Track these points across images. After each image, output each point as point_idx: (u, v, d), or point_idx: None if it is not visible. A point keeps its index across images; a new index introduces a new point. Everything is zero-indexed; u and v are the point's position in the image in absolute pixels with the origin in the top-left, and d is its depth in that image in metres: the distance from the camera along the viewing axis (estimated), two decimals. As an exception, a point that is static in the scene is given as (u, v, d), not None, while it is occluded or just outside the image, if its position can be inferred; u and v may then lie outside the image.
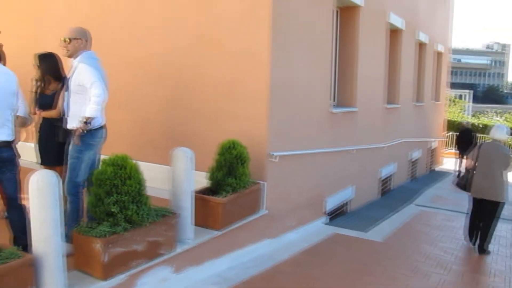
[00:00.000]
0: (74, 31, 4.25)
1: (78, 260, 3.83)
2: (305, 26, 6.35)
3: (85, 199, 4.26)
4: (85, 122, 4.02)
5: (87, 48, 4.31)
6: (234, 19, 5.69)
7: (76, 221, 4.13)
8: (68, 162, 4.23)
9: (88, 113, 4.01)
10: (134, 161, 3.90)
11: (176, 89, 6.25)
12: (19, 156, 4.13)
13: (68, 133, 4.33)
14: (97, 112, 4.05)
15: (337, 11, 8.02)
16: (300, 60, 6.29)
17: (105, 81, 4.20)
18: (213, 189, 5.10)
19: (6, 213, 4.55)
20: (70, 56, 4.27)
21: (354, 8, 8.20)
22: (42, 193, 3.25)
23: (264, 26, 5.47)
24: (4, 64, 5.18)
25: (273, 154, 5.65)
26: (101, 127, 4.30)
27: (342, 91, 8.36)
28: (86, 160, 4.23)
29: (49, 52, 4.83)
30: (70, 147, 4.21)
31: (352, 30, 8.28)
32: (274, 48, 5.53)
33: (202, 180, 5.13)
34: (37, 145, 4.80)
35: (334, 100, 8.13)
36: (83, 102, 4.11)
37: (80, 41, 4.23)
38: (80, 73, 4.12)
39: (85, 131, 4.07)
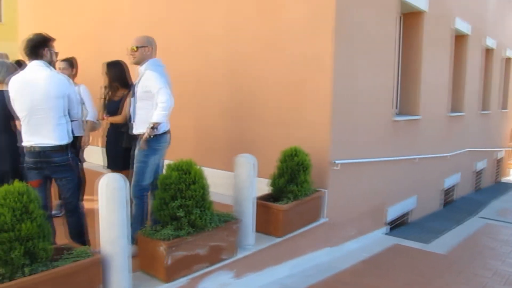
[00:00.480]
0: (140, 39, 4.37)
1: (142, 261, 3.93)
2: (368, 32, 6.25)
3: (150, 202, 4.38)
4: (152, 128, 4.11)
5: (153, 56, 4.42)
6: (297, 26, 5.70)
7: (140, 224, 4.24)
8: (134, 166, 4.35)
9: (155, 119, 4.10)
10: (198, 167, 3.96)
11: (239, 96, 6.33)
12: (83, 160, 4.28)
13: (133, 138, 4.45)
14: (163, 117, 4.13)
15: (400, 17, 7.85)
16: (363, 66, 6.20)
17: (170, 87, 4.30)
18: (275, 196, 5.11)
19: (53, 212, 4.73)
20: (137, 63, 4.40)
21: (418, 13, 8.00)
22: (111, 196, 3.36)
23: (327, 33, 5.44)
24: (76, 73, 5.44)
25: (335, 162, 5.59)
26: (166, 132, 4.40)
27: (405, 99, 8.17)
28: (151, 165, 4.33)
29: (117, 60, 5.01)
30: (136, 151, 4.32)
31: (415, 36, 8.08)
32: (337, 55, 5.48)
33: (263, 187, 5.15)
34: (104, 150, 4.97)
35: (396, 108, 7.96)
36: (149, 108, 4.21)
37: (146, 49, 4.34)
38: (146, 79, 4.22)
39: (151, 136, 4.17)
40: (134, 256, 3.80)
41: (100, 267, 3.37)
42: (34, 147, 3.77)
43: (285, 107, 5.84)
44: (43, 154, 3.77)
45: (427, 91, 8.34)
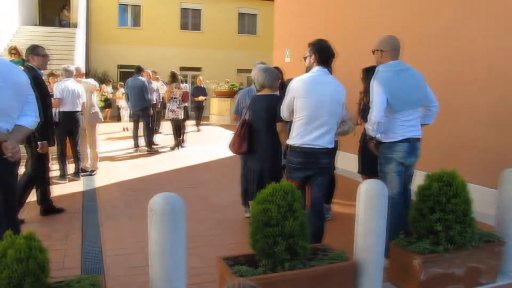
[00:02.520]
0: (376, 42, 4.20)
1: (392, 272, 3.81)
2: None
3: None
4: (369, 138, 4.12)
5: (389, 58, 4.13)
6: None
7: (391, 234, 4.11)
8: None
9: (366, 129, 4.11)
10: (461, 179, 3.67)
11: (501, 104, 5.74)
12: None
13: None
14: (369, 132, 4.08)
15: None
16: None
17: (403, 92, 4.04)
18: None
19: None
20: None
21: None
22: (370, 202, 3.33)
23: None
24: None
25: None
26: (400, 141, 4.11)
27: None
28: (389, 173, 4.15)
29: (373, 66, 4.95)
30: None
31: None
32: None
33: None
34: (359, 155, 5.00)
35: None
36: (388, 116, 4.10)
37: (378, 52, 4.15)
38: (371, 90, 4.11)
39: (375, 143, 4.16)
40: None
41: (353, 272, 3.38)
42: (302, 148, 3.94)
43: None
44: (312, 155, 3.94)
45: None
